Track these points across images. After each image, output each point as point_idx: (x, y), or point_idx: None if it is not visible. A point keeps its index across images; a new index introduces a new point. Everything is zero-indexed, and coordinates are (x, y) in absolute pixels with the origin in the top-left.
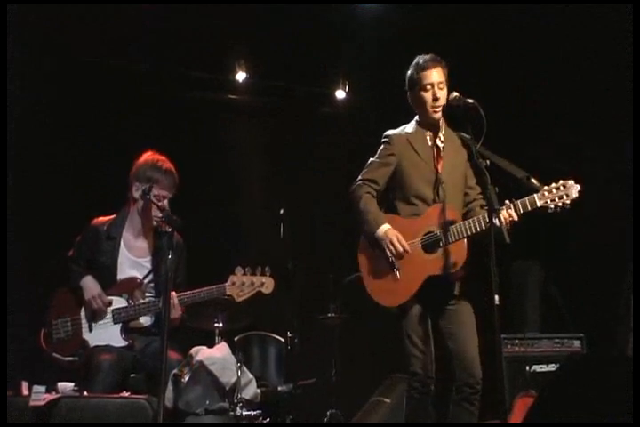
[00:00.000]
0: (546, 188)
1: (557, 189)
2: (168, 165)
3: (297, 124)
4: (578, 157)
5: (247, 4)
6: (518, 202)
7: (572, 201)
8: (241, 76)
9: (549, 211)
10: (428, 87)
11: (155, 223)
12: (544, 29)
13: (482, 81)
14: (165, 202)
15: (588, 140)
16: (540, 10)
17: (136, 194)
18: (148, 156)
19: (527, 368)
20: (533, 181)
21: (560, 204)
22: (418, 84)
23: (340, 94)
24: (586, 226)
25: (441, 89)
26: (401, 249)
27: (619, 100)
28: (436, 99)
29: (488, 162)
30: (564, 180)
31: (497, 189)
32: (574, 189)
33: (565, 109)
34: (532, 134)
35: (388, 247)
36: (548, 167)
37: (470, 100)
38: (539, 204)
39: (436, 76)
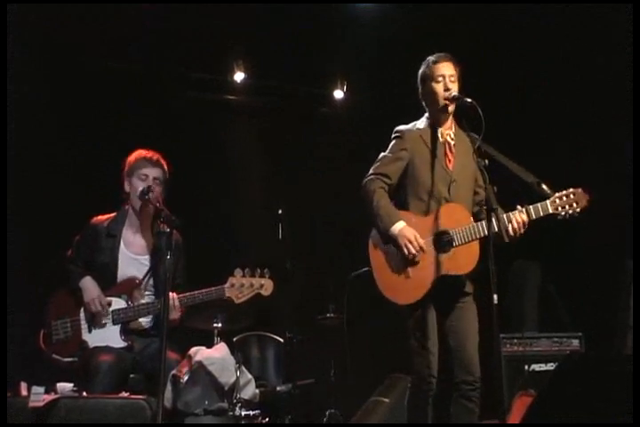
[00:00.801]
0: (557, 194)
1: (567, 196)
2: (153, 153)
3: (295, 124)
4: (578, 157)
5: (245, 4)
6: (531, 207)
7: (582, 210)
8: (239, 76)
9: (559, 217)
10: (440, 79)
11: (137, 200)
12: (544, 29)
13: (481, 81)
14: (158, 190)
15: (588, 140)
16: (539, 10)
17: (127, 188)
18: (134, 153)
19: (526, 367)
20: (544, 186)
21: (570, 211)
22: (429, 77)
23: (339, 94)
24: (584, 226)
25: (452, 82)
26: (417, 248)
27: (619, 100)
28: (447, 89)
29: (487, 161)
30: (573, 188)
31: (495, 188)
32: (584, 197)
33: (565, 109)
34: (531, 134)
35: (406, 246)
36: (548, 167)
37: (468, 100)
38: (550, 210)
39: (447, 68)
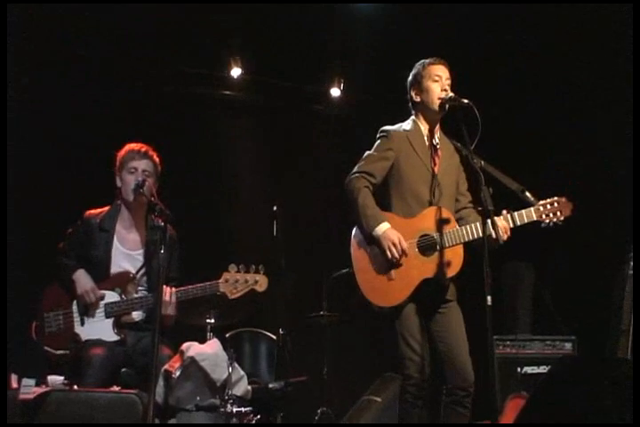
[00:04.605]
0: (541, 202)
1: (552, 204)
2: (141, 146)
3: (292, 121)
4: (575, 160)
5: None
6: (515, 214)
7: (566, 218)
8: (236, 71)
9: (542, 225)
10: (437, 78)
11: (130, 195)
12: (544, 29)
13: (478, 80)
14: (150, 182)
15: (586, 140)
16: (539, 10)
17: (119, 183)
18: (124, 147)
19: (518, 370)
20: (528, 194)
21: (554, 219)
22: (425, 77)
23: (335, 92)
24: (578, 228)
25: (448, 85)
26: (401, 252)
27: (619, 100)
28: (444, 90)
29: (482, 162)
30: (558, 197)
31: (491, 189)
32: (568, 206)
33: (565, 109)
34: (531, 133)
35: (390, 249)
36: (547, 168)
37: (465, 101)
38: (534, 217)
39: (443, 71)
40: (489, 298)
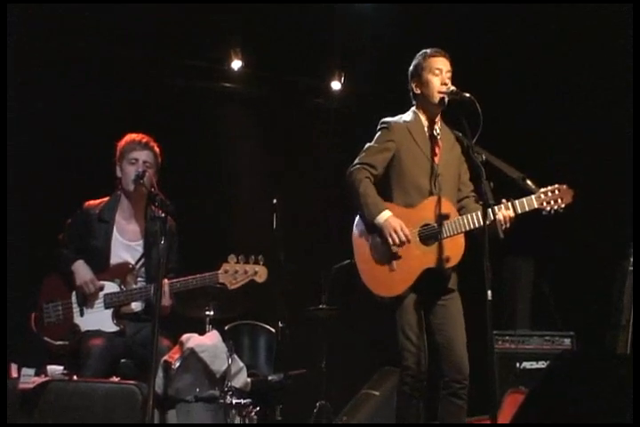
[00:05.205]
0: (542, 189)
1: (552, 191)
2: (142, 136)
3: (292, 114)
4: (575, 155)
5: None
6: (516, 202)
7: (567, 205)
8: (236, 64)
9: (543, 213)
10: (437, 71)
11: (131, 185)
12: (543, 29)
13: (478, 76)
14: (150, 173)
15: (586, 137)
16: (539, 9)
17: (119, 173)
18: (125, 137)
19: (517, 365)
20: (529, 182)
21: (555, 206)
22: (426, 69)
23: (336, 86)
24: (578, 222)
25: (448, 78)
26: (404, 238)
27: (619, 99)
28: (444, 83)
29: (484, 156)
30: (559, 184)
31: (492, 183)
32: (569, 193)
33: (565, 109)
34: (532, 132)
35: (391, 236)
36: (547, 165)
37: (467, 95)
38: (535, 205)
39: (444, 63)
40: (489, 292)
